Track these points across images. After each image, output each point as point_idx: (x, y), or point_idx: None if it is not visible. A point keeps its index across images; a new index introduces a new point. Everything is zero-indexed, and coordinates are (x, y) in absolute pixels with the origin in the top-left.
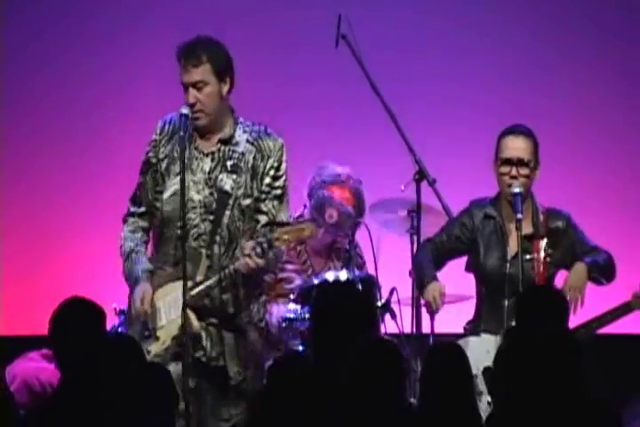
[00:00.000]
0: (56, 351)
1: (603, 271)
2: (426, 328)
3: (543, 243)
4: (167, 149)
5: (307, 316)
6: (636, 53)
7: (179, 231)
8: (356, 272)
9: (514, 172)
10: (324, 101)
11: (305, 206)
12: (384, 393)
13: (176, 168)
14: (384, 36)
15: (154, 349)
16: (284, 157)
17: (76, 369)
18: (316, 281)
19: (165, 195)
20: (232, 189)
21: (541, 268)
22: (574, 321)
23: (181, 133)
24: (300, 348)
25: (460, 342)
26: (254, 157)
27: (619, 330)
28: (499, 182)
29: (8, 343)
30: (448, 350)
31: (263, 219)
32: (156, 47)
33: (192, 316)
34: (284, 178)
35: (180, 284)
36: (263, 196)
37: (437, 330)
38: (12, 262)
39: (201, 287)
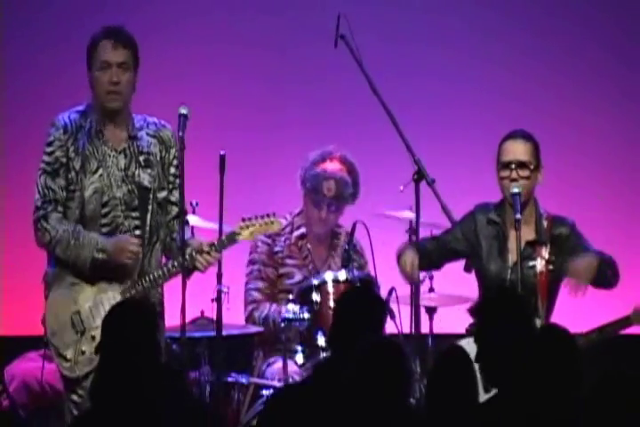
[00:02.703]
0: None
1: (611, 267)
2: (425, 328)
3: (546, 250)
4: (77, 148)
5: (305, 316)
6: None
7: (103, 229)
8: (355, 272)
9: (514, 174)
10: (323, 101)
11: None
12: (387, 394)
13: (92, 166)
14: (383, 35)
15: (88, 348)
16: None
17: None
18: (315, 282)
19: (87, 193)
20: (150, 183)
21: (544, 275)
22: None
23: (180, 134)
24: (299, 348)
25: (462, 342)
26: (160, 150)
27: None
28: (501, 187)
29: (8, 343)
30: (453, 352)
31: (174, 210)
32: (157, 48)
33: None
34: (178, 167)
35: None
36: (170, 186)
37: (436, 330)
38: (13, 262)
39: (145, 284)
